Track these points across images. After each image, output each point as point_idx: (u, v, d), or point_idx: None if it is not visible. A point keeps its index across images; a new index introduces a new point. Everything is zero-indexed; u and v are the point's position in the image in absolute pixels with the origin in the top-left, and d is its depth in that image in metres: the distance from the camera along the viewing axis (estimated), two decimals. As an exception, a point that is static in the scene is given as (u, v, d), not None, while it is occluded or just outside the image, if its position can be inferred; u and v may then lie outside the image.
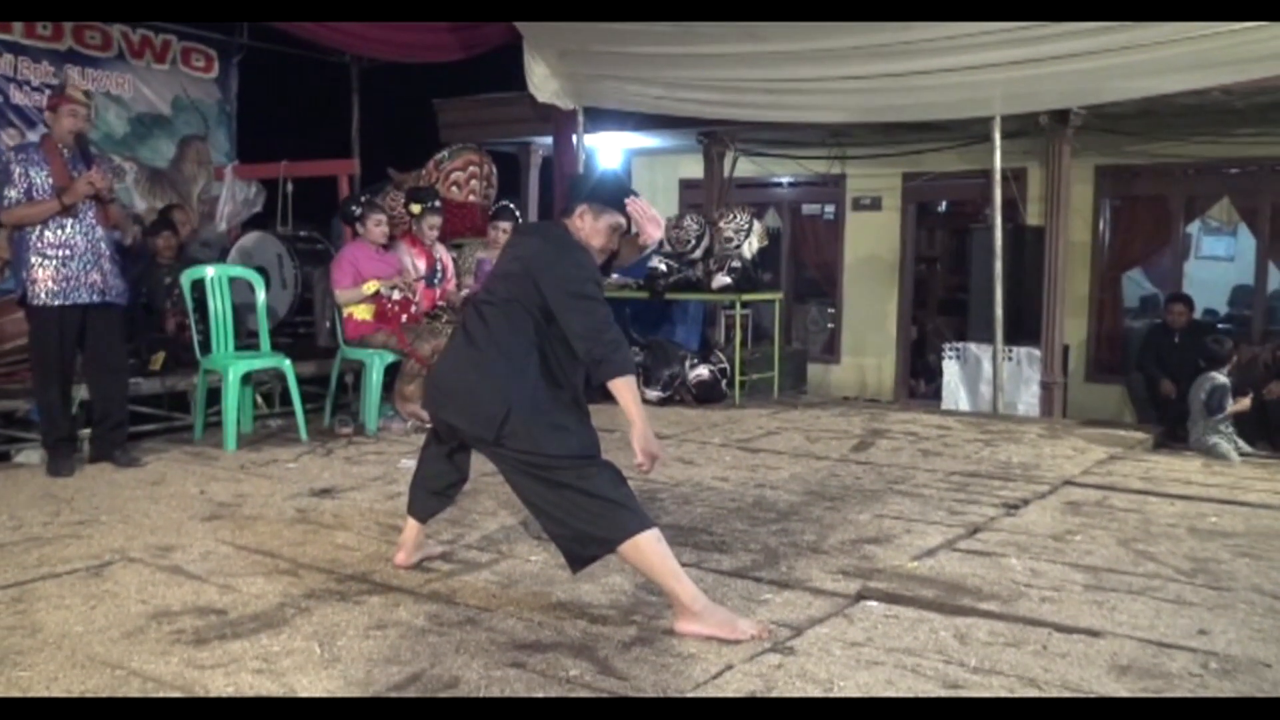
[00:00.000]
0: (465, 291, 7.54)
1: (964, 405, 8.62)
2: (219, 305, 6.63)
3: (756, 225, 8.71)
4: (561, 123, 9.89)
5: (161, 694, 2.86)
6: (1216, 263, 11.24)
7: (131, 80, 9.57)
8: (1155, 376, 8.44)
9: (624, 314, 9.25)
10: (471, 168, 9.06)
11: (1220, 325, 9.54)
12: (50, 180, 5.42)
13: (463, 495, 5.08)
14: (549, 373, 3.49)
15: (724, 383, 8.34)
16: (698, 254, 8.56)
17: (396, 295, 6.95)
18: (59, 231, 5.45)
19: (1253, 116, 8.08)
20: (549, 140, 10.45)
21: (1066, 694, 2.89)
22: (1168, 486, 5.46)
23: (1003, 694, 2.88)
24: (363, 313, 6.98)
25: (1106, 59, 7.16)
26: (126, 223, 5.94)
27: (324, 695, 2.85)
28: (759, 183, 11.20)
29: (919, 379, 10.69)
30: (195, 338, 6.61)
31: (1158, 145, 8.86)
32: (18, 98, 8.69)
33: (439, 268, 7.42)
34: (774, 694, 2.87)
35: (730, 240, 8.49)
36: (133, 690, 2.88)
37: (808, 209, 11.49)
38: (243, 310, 7.09)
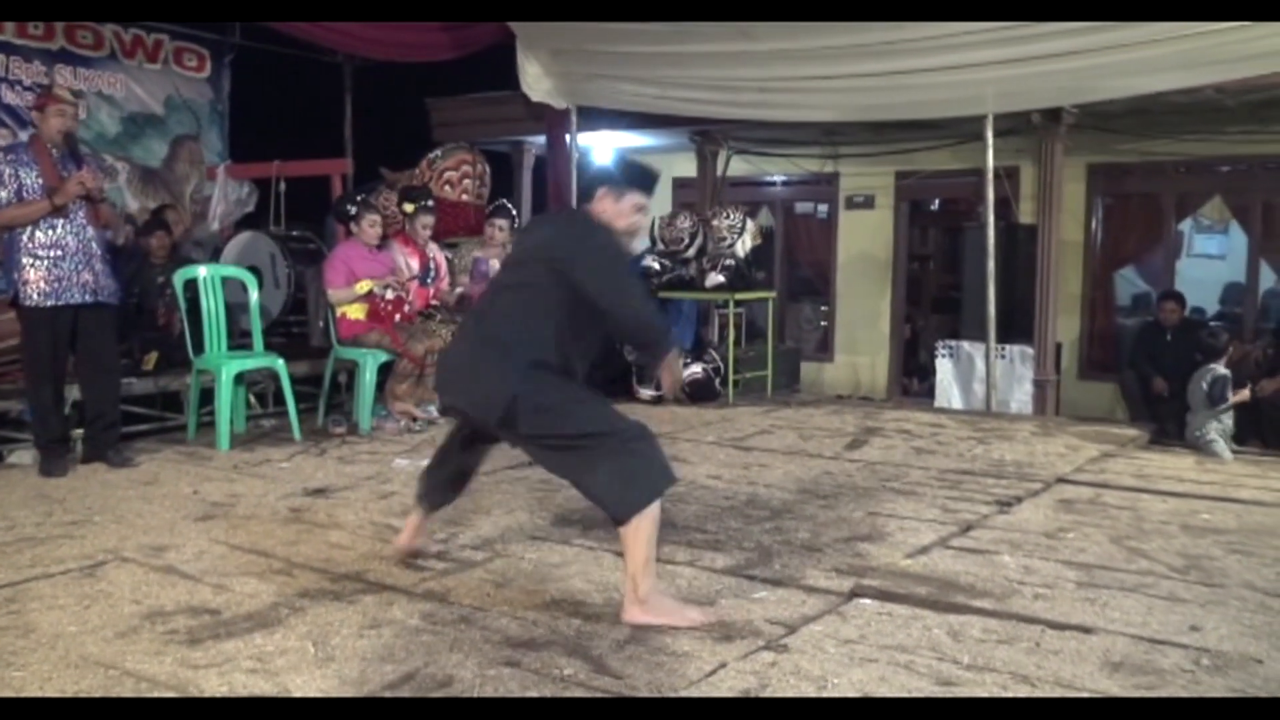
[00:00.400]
0: (460, 290, 7.54)
1: (957, 403, 8.63)
2: (212, 305, 6.62)
3: (750, 224, 8.71)
4: (554, 122, 9.88)
5: (155, 694, 2.85)
6: (1208, 260, 11.24)
7: (123, 80, 9.54)
8: (1148, 374, 8.46)
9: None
10: (465, 167, 9.05)
11: (1212, 322, 9.56)
12: (40, 181, 5.41)
13: (456, 494, 5.10)
14: (560, 356, 3.48)
15: (718, 381, 8.35)
16: (691, 253, 8.57)
17: (390, 295, 6.95)
18: (50, 232, 5.44)
19: (1244, 115, 8.10)
20: (542, 139, 10.45)
21: (1059, 691, 2.89)
22: (1160, 484, 5.47)
23: (995, 691, 2.89)
24: (356, 312, 6.97)
25: (1098, 58, 7.17)
26: (117, 222, 5.94)
27: (318, 695, 2.85)
28: (752, 181, 11.21)
29: (912, 377, 10.71)
30: (188, 337, 6.60)
31: (1150, 143, 8.89)
32: (9, 97, 8.66)
33: (432, 267, 7.42)
34: (768, 692, 2.87)
35: (724, 239, 8.50)
36: (126, 690, 2.88)
37: (801, 207, 11.50)
38: (236, 310, 7.08)
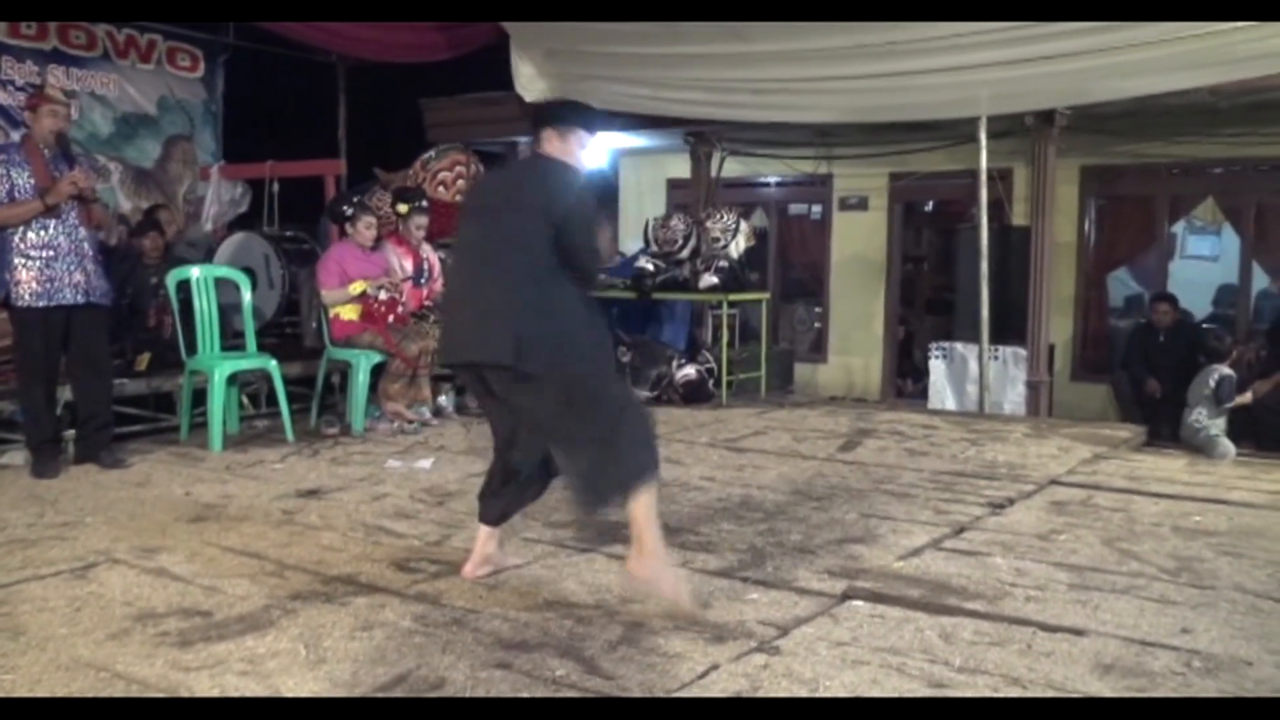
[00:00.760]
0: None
1: (950, 404, 8.64)
2: (204, 306, 6.61)
3: (744, 225, 8.71)
4: (548, 122, 9.86)
5: (146, 696, 2.85)
6: (1201, 262, 11.28)
7: (117, 80, 9.53)
8: (1140, 376, 8.47)
9: (611, 314, 9.26)
10: (458, 168, 9.04)
11: (1204, 325, 9.58)
12: (32, 181, 5.40)
13: (449, 496, 5.11)
14: (561, 288, 3.53)
15: (711, 382, 8.35)
16: (685, 254, 8.56)
17: (383, 295, 6.94)
18: (42, 233, 5.44)
19: (1237, 117, 8.12)
20: (536, 140, 10.42)
21: (1051, 693, 2.90)
22: (1152, 486, 5.48)
23: (987, 693, 2.89)
24: (349, 313, 6.96)
25: (1092, 60, 7.18)
26: (109, 223, 5.93)
27: (309, 696, 2.85)
28: (746, 182, 11.20)
29: (906, 378, 10.71)
30: (180, 338, 6.58)
31: (1143, 145, 8.90)
32: (1, 98, 8.65)
33: (426, 268, 7.41)
34: (760, 694, 2.87)
35: (717, 240, 8.50)
36: (117, 693, 2.87)
37: (795, 209, 11.50)
38: (229, 310, 7.07)
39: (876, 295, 10.57)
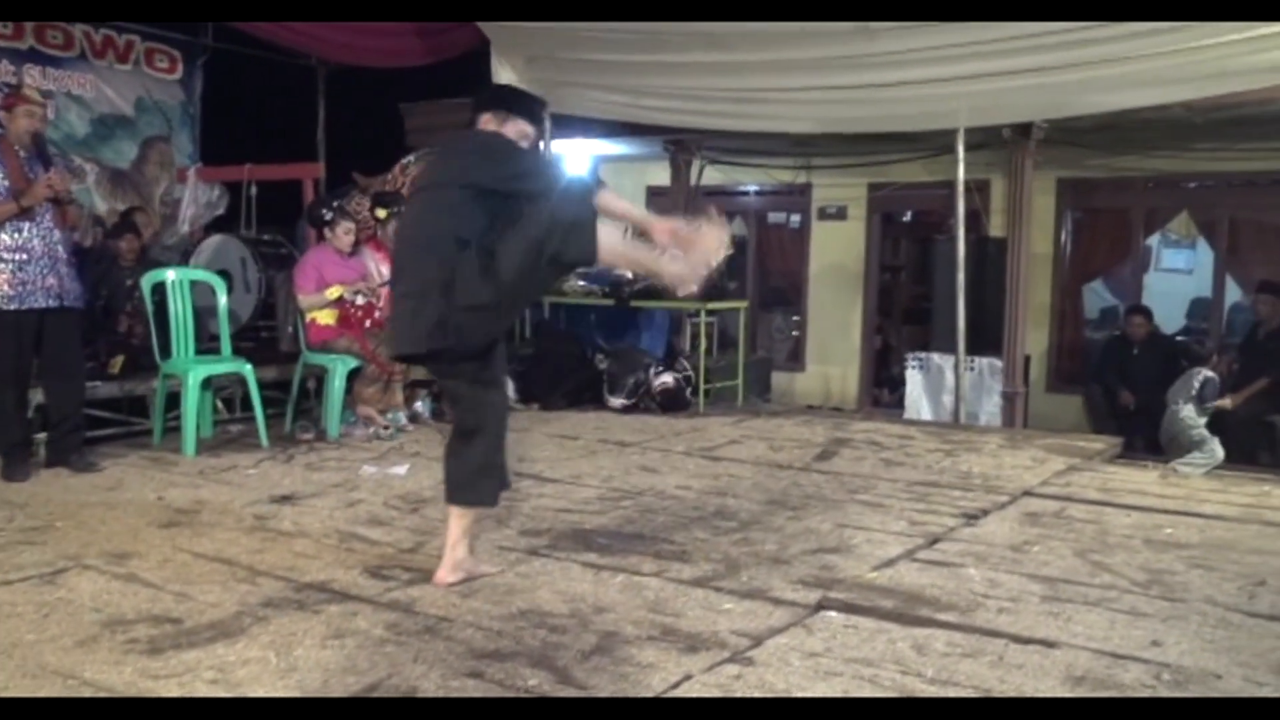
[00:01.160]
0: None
1: (926, 415, 8.67)
2: (180, 308, 6.56)
3: (722, 233, 8.71)
4: (528, 129, 9.85)
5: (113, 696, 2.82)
6: (1176, 275, 11.37)
7: (93, 80, 9.46)
8: (1114, 387, 8.53)
9: (589, 321, 9.25)
10: (438, 173, 9.02)
11: (1178, 338, 9.67)
12: (6, 183, 5.35)
13: (424, 503, 5.09)
14: (467, 264, 3.45)
15: (689, 390, 8.36)
16: (664, 261, 8.56)
17: (360, 300, 6.92)
18: (15, 235, 5.38)
19: (1211, 132, 8.19)
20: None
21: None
22: (1125, 498, 5.51)
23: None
24: (326, 318, 6.94)
25: (1069, 74, 7.24)
26: (84, 222, 5.87)
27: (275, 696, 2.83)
28: (725, 191, 11.22)
29: (883, 388, 10.75)
30: (154, 341, 6.54)
31: (1119, 159, 8.97)
32: (-24, 97, 8.57)
33: (403, 273, 7.37)
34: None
35: (696, 248, 8.49)
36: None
37: (774, 217, 11.53)
38: (204, 314, 7.02)
39: (854, 305, 10.61)
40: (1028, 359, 8.76)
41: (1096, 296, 10.70)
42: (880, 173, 10.04)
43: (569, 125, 9.87)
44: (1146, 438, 7.75)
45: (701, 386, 8.38)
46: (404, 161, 9.05)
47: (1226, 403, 7.14)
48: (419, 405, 7.40)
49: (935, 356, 8.69)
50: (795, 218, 11.24)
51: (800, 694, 2.94)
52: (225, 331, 6.88)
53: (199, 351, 6.70)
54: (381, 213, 7.33)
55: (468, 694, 2.90)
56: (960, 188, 8.10)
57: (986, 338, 8.47)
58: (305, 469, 5.92)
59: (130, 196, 9.67)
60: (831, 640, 3.37)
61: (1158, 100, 7.26)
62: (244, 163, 9.41)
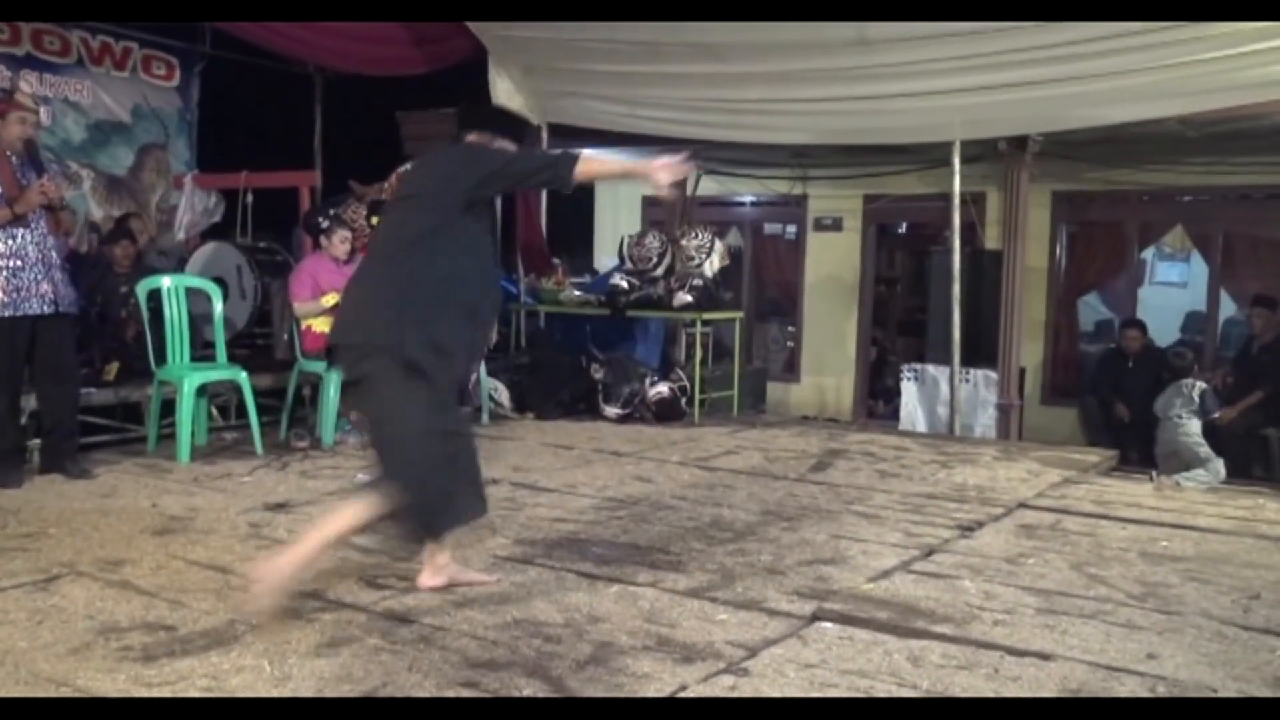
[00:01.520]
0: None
1: (921, 426, 8.67)
2: (175, 315, 6.55)
3: (718, 244, 8.74)
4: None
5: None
6: (1170, 289, 11.40)
7: (90, 87, 9.44)
8: (1109, 400, 8.55)
9: (584, 330, 9.25)
10: (434, 181, 9.02)
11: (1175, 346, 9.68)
12: (0, 189, 5.34)
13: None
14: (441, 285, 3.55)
15: (684, 401, 8.35)
16: (659, 272, 8.58)
17: (356, 308, 6.90)
18: (9, 241, 5.37)
19: (1206, 146, 8.22)
20: (513, 155, 10.39)
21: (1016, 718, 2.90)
22: (1120, 510, 5.52)
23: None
24: (321, 325, 6.91)
25: (1065, 88, 7.27)
26: (77, 228, 5.85)
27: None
28: (721, 201, 11.24)
29: (878, 399, 10.75)
30: (149, 348, 6.52)
31: (1114, 172, 9.00)
32: (-28, 102, 8.55)
33: (399, 281, 7.37)
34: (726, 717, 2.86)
35: (692, 258, 8.52)
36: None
37: (769, 228, 11.55)
38: (200, 321, 7.01)
39: (849, 316, 10.61)
40: (1023, 371, 8.77)
41: (1091, 309, 10.72)
42: (876, 184, 10.06)
43: (566, 135, 9.88)
44: (1142, 450, 7.75)
45: (697, 397, 8.38)
46: (400, 170, 9.05)
47: (1219, 416, 7.15)
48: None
49: (930, 368, 8.70)
50: (791, 228, 11.26)
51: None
52: (220, 338, 6.87)
53: (194, 358, 6.69)
54: (377, 221, 7.33)
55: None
56: (956, 200, 8.12)
57: (982, 350, 8.48)
58: (300, 477, 5.91)
59: (126, 203, 9.64)
60: (827, 652, 3.36)
61: (1153, 114, 7.29)
62: (240, 170, 9.40)
